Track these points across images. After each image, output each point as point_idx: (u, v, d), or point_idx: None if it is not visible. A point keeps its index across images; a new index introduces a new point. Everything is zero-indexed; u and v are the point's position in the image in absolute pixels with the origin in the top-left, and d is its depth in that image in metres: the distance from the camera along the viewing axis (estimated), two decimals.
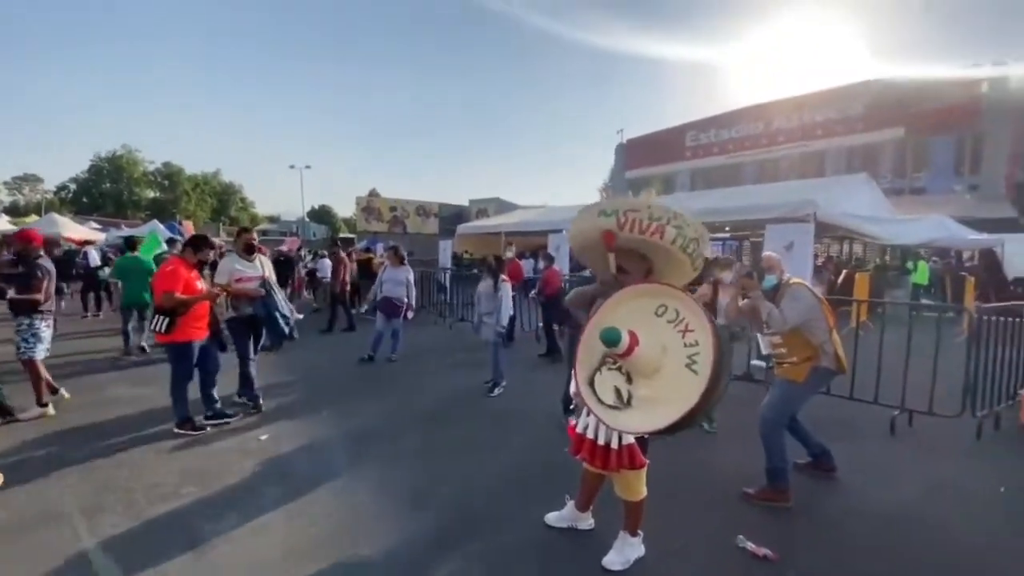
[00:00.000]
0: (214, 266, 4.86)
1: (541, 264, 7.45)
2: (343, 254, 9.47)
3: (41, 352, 4.28)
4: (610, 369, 1.92)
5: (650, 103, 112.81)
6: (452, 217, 41.99)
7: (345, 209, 72.26)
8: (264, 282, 4.42)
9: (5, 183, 51.03)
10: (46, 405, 4.30)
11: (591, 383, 1.96)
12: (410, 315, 6.95)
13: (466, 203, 42.05)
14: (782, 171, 26.20)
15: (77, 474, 3.27)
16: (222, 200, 57.78)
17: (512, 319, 7.83)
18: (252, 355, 4.55)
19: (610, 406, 1.89)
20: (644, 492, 2.41)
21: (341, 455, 3.69)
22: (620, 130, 35.93)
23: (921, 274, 13.24)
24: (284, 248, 14.79)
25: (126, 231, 23.26)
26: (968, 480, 3.45)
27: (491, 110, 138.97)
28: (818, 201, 9.11)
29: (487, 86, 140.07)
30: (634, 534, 2.47)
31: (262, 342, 4.73)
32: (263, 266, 4.51)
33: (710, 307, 3.81)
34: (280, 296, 4.53)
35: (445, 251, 17.22)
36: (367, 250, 13.82)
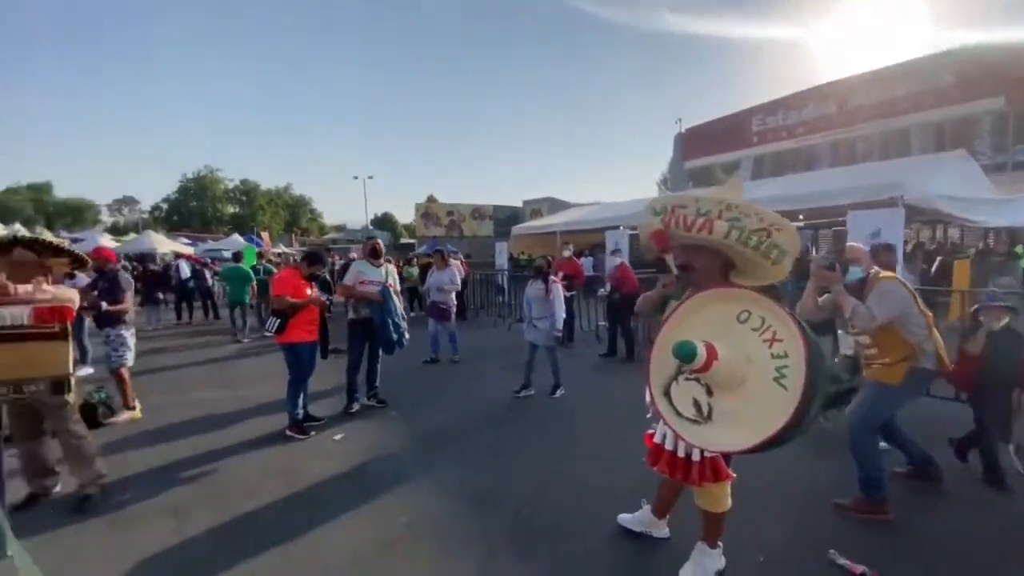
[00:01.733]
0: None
1: (613, 261, 7.25)
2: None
3: (130, 359, 4.67)
4: (688, 379, 1.77)
5: (710, 90, 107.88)
6: (507, 219, 42.25)
7: (406, 215, 74.82)
8: (384, 289, 4.64)
9: (107, 205, 57.16)
10: (134, 408, 4.69)
11: (667, 393, 1.83)
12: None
13: (520, 204, 42.09)
14: (860, 152, 24.18)
15: (168, 472, 3.55)
16: (293, 212, 61.42)
17: (571, 319, 7.77)
18: (375, 357, 4.86)
19: (689, 419, 1.75)
20: (728, 504, 2.26)
21: (410, 456, 3.79)
22: (678, 120, 34.53)
23: None
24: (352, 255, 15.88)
25: (211, 244, 25.32)
26: None
27: (542, 108, 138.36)
28: (905, 183, 8.29)
29: (536, 84, 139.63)
30: (713, 545, 2.34)
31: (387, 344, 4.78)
32: (388, 274, 4.77)
33: None
34: (398, 305, 4.74)
35: (501, 253, 17.33)
36: (429, 255, 14.20)
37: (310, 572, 2.46)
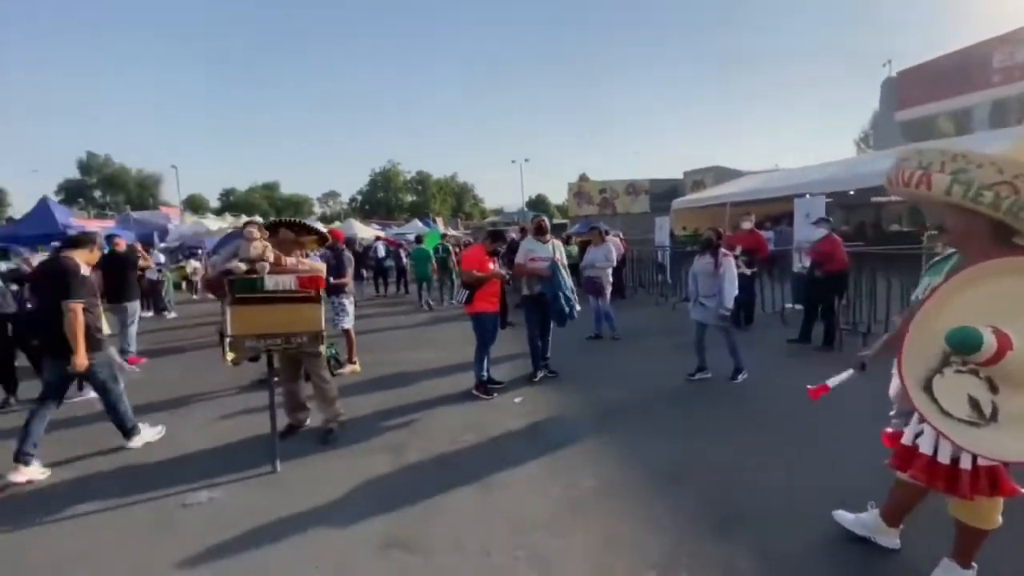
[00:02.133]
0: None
1: (817, 232, 6.25)
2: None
3: (348, 323, 5.59)
4: (959, 372, 1.47)
5: (925, 25, 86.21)
6: (665, 193, 40.05)
7: (558, 196, 76.24)
8: (553, 263, 4.77)
9: (317, 199, 68.90)
10: (355, 362, 5.63)
11: (927, 388, 1.53)
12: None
13: (680, 176, 39.42)
14: None
15: (385, 417, 4.19)
16: (459, 198, 66.78)
17: (751, 299, 7.05)
18: (547, 329, 4.97)
19: (963, 421, 1.45)
20: (998, 521, 1.84)
21: (587, 424, 3.88)
22: (887, 62, 28.50)
23: None
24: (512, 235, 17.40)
25: (395, 229, 28.94)
26: None
27: (705, 68, 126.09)
28: None
29: (693, 39, 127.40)
30: (967, 565, 1.93)
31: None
32: (555, 249, 4.90)
33: None
34: (566, 278, 4.84)
35: (662, 228, 16.48)
36: (584, 233, 14.27)
37: (510, 514, 2.70)
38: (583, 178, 53.57)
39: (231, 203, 55.31)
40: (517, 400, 4.45)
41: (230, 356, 3.08)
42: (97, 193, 52.96)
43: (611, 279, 7.00)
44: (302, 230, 3.59)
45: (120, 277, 6.08)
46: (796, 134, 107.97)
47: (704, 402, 4.31)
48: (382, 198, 61.18)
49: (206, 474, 3.24)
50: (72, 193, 49.69)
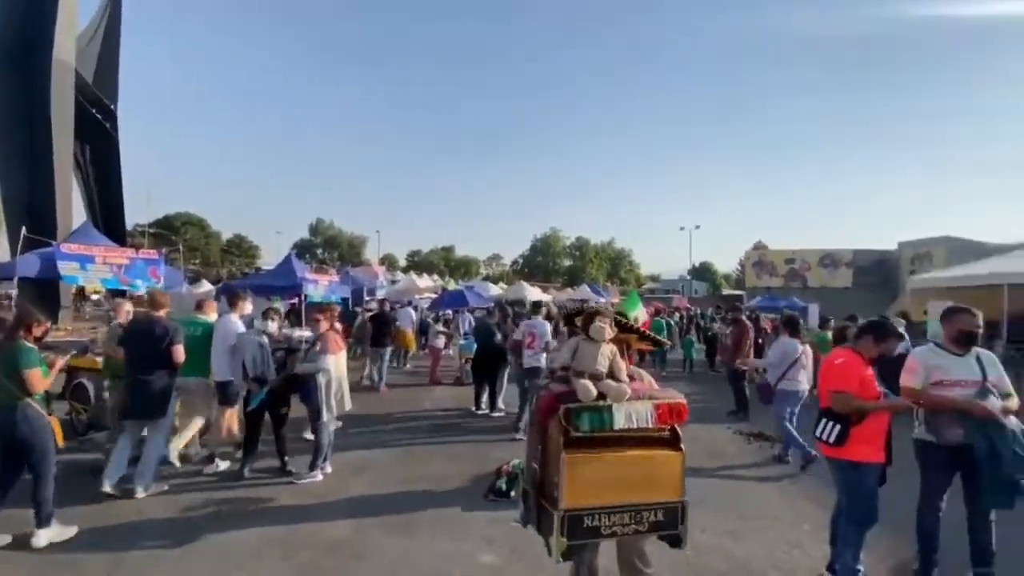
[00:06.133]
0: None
1: None
2: (743, 319, 8.31)
3: None
4: None
5: None
6: (872, 267, 34.06)
7: (725, 264, 70.30)
8: (982, 390, 2.78)
9: (483, 261, 73.40)
10: None
11: None
12: None
13: (893, 247, 33.14)
14: None
15: None
16: (614, 264, 65.33)
17: None
18: (977, 515, 2.86)
19: None
20: None
21: None
22: None
23: None
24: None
25: (554, 293, 28.23)
26: None
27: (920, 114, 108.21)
28: None
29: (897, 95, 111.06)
30: None
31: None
32: (983, 366, 2.84)
33: None
34: (1017, 428, 2.73)
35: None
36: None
37: None
38: (759, 245, 48.40)
39: (415, 263, 61.56)
40: None
41: (559, 548, 1.80)
42: (319, 251, 63.52)
43: None
44: (628, 330, 2.34)
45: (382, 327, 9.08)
46: None
47: None
48: (540, 262, 62.58)
49: None
50: (302, 250, 59.90)
